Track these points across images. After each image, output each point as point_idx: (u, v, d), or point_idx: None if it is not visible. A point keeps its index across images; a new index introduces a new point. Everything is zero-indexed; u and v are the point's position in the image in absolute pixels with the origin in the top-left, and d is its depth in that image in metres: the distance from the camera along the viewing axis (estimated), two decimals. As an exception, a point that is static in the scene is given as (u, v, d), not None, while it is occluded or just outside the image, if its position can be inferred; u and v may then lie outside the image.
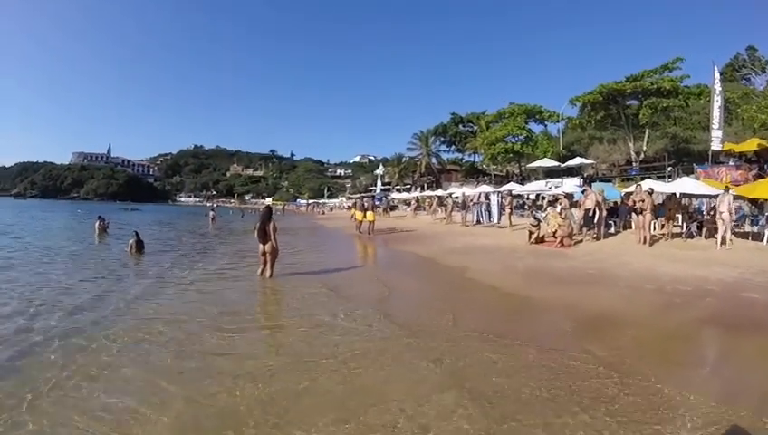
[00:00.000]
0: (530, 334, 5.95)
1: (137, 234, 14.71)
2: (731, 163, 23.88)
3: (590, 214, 15.44)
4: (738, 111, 26.39)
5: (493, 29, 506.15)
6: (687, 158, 32.98)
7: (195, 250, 16.62)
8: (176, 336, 5.81)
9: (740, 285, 8.79)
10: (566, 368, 4.68)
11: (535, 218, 16.13)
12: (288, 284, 9.46)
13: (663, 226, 16.53)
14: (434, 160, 70.44)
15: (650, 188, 14.99)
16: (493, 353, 5.13)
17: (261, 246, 9.64)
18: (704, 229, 15.56)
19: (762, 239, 14.26)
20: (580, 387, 4.19)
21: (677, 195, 17.21)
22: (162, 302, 7.78)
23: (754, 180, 19.44)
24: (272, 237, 9.49)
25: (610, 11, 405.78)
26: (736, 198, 14.80)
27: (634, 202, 14.43)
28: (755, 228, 15.57)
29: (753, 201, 17.37)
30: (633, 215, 15.33)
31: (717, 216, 13.81)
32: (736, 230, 15.14)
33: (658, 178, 26.44)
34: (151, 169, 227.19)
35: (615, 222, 17.80)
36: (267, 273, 9.71)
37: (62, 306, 7.27)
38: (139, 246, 14.33)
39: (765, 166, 21.57)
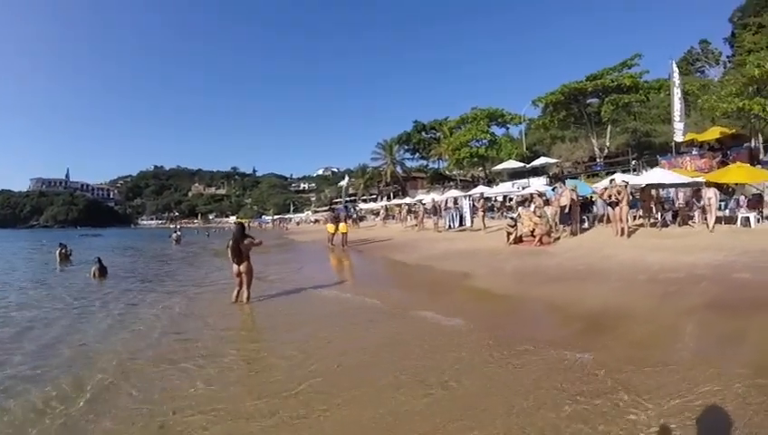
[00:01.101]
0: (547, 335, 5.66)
1: (99, 260, 14.40)
2: (694, 152, 24.44)
3: (566, 210, 15.35)
4: (698, 101, 27.05)
5: (450, 36, 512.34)
6: (649, 150, 33.73)
7: (159, 274, 15.65)
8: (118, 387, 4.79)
9: (729, 267, 8.82)
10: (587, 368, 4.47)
11: (512, 219, 15.91)
12: (268, 308, 8.56)
13: (635, 217, 16.60)
14: (399, 169, 70.10)
15: (625, 181, 14.97)
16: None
17: (236, 266, 8.84)
18: (678, 218, 15.65)
19: (735, 222, 14.66)
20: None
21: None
22: (111, 338, 6.75)
23: (719, 167, 19.88)
24: (247, 257, 8.78)
25: (565, 13, 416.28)
26: (708, 184, 15.02)
27: (610, 196, 14.36)
28: (726, 212, 15.88)
29: (719, 186, 17.71)
30: (609, 208, 15.27)
31: (706, 202, 14.32)
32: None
33: (623, 171, 26.75)
34: (111, 193, 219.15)
35: (588, 217, 17.83)
36: (244, 295, 8.88)
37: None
38: (102, 271, 14.12)
39: (728, 153, 22.06)
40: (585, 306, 6.99)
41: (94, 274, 13.88)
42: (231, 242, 8.88)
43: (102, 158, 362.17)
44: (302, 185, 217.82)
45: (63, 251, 20.35)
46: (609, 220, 16.11)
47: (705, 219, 14.53)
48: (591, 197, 18.81)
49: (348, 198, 76.86)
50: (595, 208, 18.79)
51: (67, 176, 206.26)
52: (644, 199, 16.23)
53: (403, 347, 5.59)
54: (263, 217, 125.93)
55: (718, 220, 15.22)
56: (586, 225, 17.29)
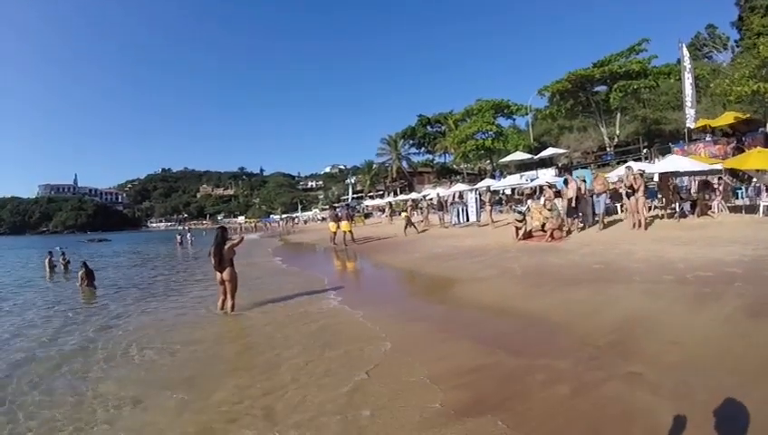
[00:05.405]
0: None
1: (85, 264, 13.89)
2: (707, 139, 23.57)
3: (573, 203, 14.59)
4: (710, 86, 26.20)
5: (454, 32, 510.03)
6: (659, 138, 32.78)
7: (155, 282, 15.06)
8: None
9: (762, 263, 7.91)
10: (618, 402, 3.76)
11: (520, 213, 15.17)
12: (252, 318, 8.06)
13: (650, 208, 15.87)
14: (404, 164, 69.44)
15: (641, 170, 14.27)
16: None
17: (218, 274, 8.28)
18: (697, 208, 14.78)
19: (756, 212, 13.90)
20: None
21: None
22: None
23: (733, 154, 19.20)
24: (230, 263, 8.26)
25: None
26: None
27: (626, 186, 13.65)
28: (746, 201, 15.16)
29: (734, 173, 17.07)
30: (625, 198, 14.55)
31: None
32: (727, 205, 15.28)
33: (635, 160, 26.01)
34: (120, 197, 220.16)
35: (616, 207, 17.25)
36: (228, 304, 8.33)
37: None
38: (90, 277, 13.53)
39: (743, 138, 21.26)
40: (606, 318, 6.09)
41: (81, 280, 13.35)
42: (212, 247, 8.33)
43: (110, 163, 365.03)
44: (309, 183, 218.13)
45: (52, 260, 19.09)
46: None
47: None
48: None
49: (354, 195, 76.27)
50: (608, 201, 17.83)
51: (75, 181, 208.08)
52: (662, 188, 15.46)
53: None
54: (271, 216, 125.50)
55: (738, 210, 14.60)
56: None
